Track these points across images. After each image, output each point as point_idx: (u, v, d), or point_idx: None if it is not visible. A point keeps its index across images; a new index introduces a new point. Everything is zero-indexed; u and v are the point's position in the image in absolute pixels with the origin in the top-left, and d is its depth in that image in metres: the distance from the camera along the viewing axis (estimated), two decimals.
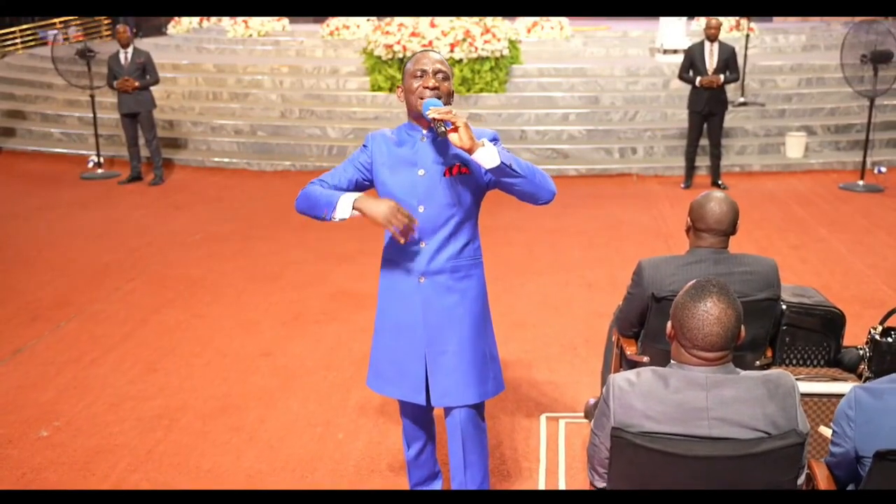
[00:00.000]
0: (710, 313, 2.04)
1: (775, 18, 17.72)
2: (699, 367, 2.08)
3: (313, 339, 5.07)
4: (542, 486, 3.50)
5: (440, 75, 2.69)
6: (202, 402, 4.27)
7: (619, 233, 6.98)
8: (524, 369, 4.58)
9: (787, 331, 3.28)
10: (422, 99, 2.67)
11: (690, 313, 2.06)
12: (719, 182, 8.86)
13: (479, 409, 2.92)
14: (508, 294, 5.73)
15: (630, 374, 2.14)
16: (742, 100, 10.71)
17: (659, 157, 9.91)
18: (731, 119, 10.24)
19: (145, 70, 9.07)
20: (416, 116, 2.74)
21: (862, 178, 8.83)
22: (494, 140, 2.67)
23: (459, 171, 2.73)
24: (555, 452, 3.74)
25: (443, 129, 2.55)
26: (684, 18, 12.33)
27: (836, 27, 15.38)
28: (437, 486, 3.25)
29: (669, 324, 2.14)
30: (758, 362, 3.11)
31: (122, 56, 9.03)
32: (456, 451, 2.91)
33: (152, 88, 9.27)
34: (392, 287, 2.87)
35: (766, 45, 13.73)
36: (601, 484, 2.25)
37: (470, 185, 2.77)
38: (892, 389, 2.19)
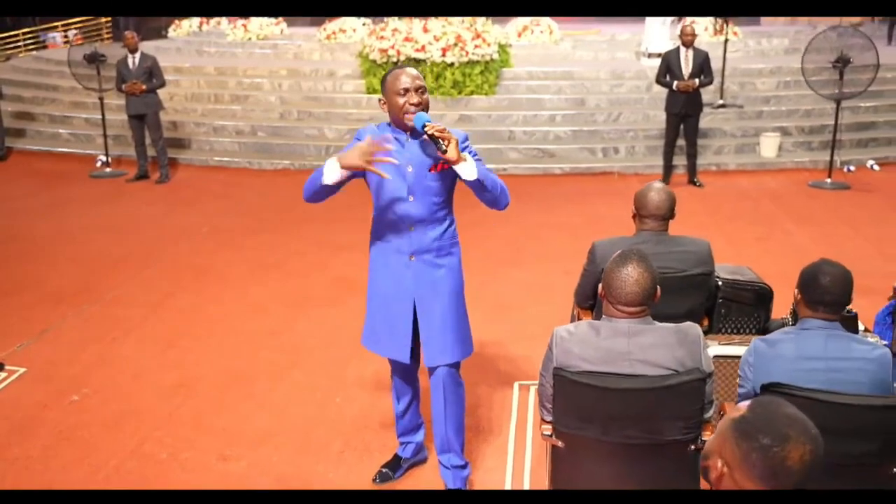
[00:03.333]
0: (630, 276, 2.56)
1: (763, 21, 18.24)
2: (623, 319, 2.60)
3: (315, 320, 5.58)
4: (511, 441, 4.02)
5: (420, 90, 3.14)
6: (216, 374, 4.79)
7: (600, 226, 7.48)
8: (504, 346, 5.10)
9: (722, 303, 3.80)
10: (408, 114, 3.13)
11: (615, 276, 2.58)
12: (695, 180, 9.37)
13: (456, 367, 3.45)
14: (494, 281, 6.26)
15: (570, 326, 2.66)
16: (721, 102, 11.22)
17: (640, 156, 10.43)
18: (709, 120, 10.79)
19: (152, 74, 9.58)
20: (398, 123, 3.22)
21: (829, 176, 9.36)
22: (465, 140, 3.18)
23: (443, 167, 3.19)
24: (524, 413, 4.26)
25: (444, 148, 2.99)
26: (668, 23, 12.83)
27: (822, 29, 15.89)
28: (419, 436, 3.76)
29: (600, 285, 2.66)
30: (702, 334, 3.63)
31: (129, 60, 9.55)
32: (438, 404, 3.43)
33: (158, 91, 9.78)
34: (385, 264, 3.34)
35: (750, 48, 14.26)
36: (549, 417, 2.76)
37: (448, 178, 3.25)
38: (783, 339, 2.71)
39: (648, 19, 12.82)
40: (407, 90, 3.14)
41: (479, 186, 3.12)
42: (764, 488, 1.67)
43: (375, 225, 3.38)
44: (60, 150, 11.58)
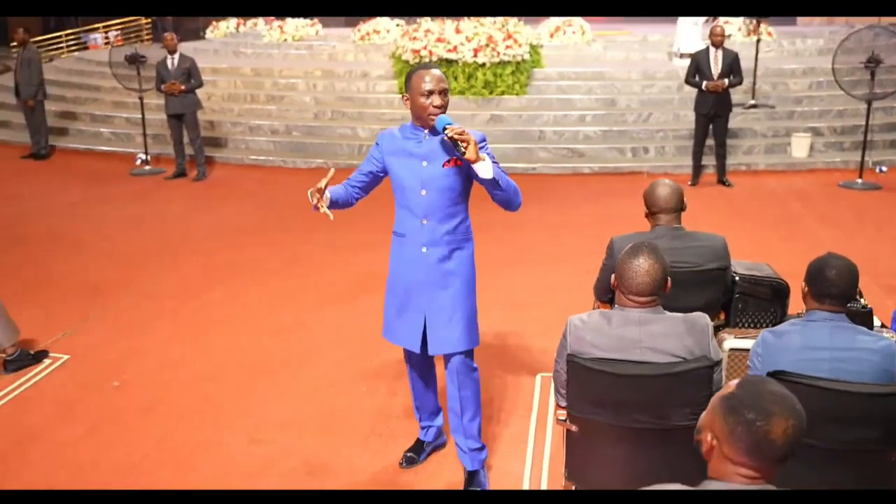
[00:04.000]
0: (641, 267, 2.67)
1: (799, 21, 18.09)
2: (634, 308, 2.72)
3: (341, 313, 5.74)
4: (532, 429, 4.14)
5: (443, 93, 3.30)
6: (245, 364, 4.96)
7: (626, 226, 7.47)
8: (527, 339, 5.22)
9: (739, 298, 3.87)
10: (432, 115, 3.29)
11: (627, 267, 2.70)
12: (724, 180, 9.40)
13: (469, 354, 3.57)
14: (514, 278, 6.39)
15: (583, 315, 2.78)
16: (752, 102, 11.22)
17: (669, 156, 10.48)
18: (740, 120, 10.80)
19: (190, 74, 9.83)
20: (419, 120, 3.38)
21: (860, 176, 9.33)
22: (483, 141, 3.31)
23: (455, 163, 3.35)
24: (545, 404, 4.37)
25: (462, 149, 3.14)
26: (700, 24, 12.83)
27: (856, 29, 15.75)
28: (439, 420, 3.92)
29: (613, 276, 2.77)
30: (711, 323, 3.72)
31: (169, 61, 9.81)
32: (452, 390, 3.56)
33: (196, 91, 10.03)
34: (400, 255, 3.50)
35: (783, 48, 14.19)
36: (563, 402, 2.88)
37: (461, 175, 3.39)
38: (790, 330, 2.80)
39: (680, 19, 12.83)
40: (431, 92, 3.29)
41: (493, 185, 3.27)
42: (749, 461, 1.78)
43: (396, 218, 3.55)
44: (102, 148, 11.90)
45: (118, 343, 5.29)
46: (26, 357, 4.89)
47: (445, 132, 3.20)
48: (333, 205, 3.38)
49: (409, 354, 3.69)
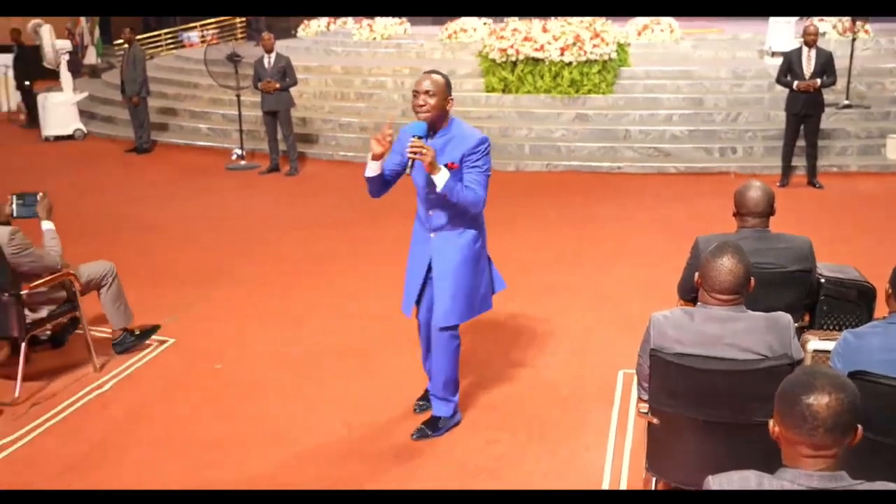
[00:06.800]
0: (724, 266, 2.77)
1: None
2: (717, 306, 2.81)
3: None
4: (613, 424, 4.25)
5: (426, 94, 3.71)
6: (335, 350, 5.21)
7: (711, 226, 7.44)
8: (610, 335, 5.32)
9: (825, 300, 3.90)
10: (417, 113, 3.76)
11: (711, 266, 2.79)
12: (815, 181, 9.25)
13: (453, 328, 4.02)
14: (602, 274, 6.49)
15: (666, 311, 2.90)
16: (846, 102, 10.96)
17: (758, 156, 10.35)
18: (833, 121, 10.58)
19: (285, 73, 10.20)
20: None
21: None
22: (483, 142, 3.79)
23: (452, 166, 3.76)
24: (627, 399, 4.47)
25: (412, 157, 3.62)
26: (793, 22, 12.60)
27: None
28: None
29: (697, 274, 2.87)
30: (795, 324, 3.76)
31: (265, 60, 10.20)
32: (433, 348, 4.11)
33: (290, 89, 10.39)
34: (416, 237, 4.08)
35: (881, 46, 13.78)
36: (645, 396, 3.00)
37: (458, 175, 3.78)
38: (871, 332, 2.85)
39: (772, 18, 12.62)
40: (416, 93, 3.76)
41: (446, 195, 3.72)
42: (802, 437, 1.88)
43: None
44: (200, 143, 12.43)
45: (218, 328, 5.60)
46: (128, 339, 5.21)
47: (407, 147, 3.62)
48: (380, 178, 3.87)
49: (418, 321, 4.22)
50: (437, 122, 3.79)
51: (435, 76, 3.77)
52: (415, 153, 3.60)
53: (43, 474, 3.90)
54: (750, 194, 3.66)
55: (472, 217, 3.92)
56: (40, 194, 4.90)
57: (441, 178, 3.67)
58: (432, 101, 3.71)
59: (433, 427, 4.15)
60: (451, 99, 3.84)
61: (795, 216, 7.70)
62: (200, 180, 10.31)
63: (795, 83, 8.91)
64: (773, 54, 12.55)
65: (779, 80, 9.22)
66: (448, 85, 3.82)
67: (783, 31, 12.58)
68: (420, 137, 3.68)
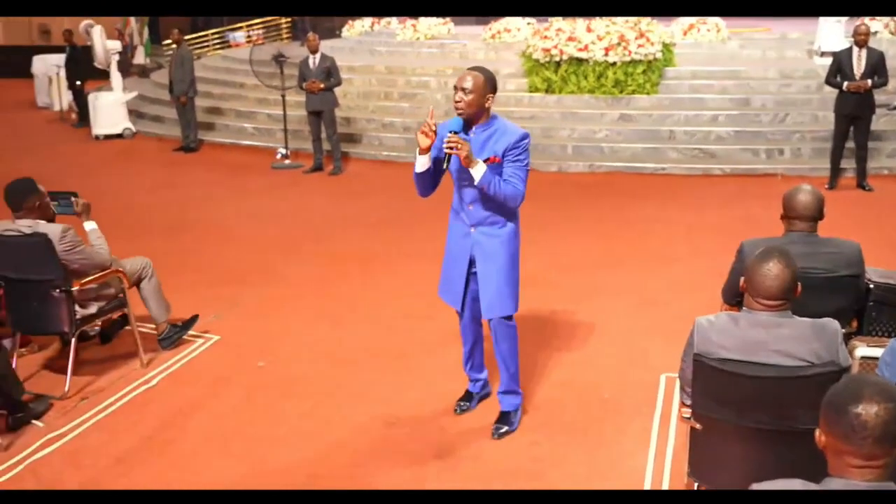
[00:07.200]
0: (771, 271, 2.73)
1: None
2: (762, 311, 2.78)
3: None
4: (655, 428, 4.22)
5: (462, 91, 3.77)
6: (378, 350, 5.24)
7: (756, 228, 7.36)
8: (652, 339, 5.28)
9: (873, 306, 3.82)
10: (455, 109, 3.83)
11: (756, 271, 2.76)
12: (864, 184, 9.07)
13: (508, 318, 4.07)
14: (644, 276, 6.44)
15: (710, 316, 2.87)
16: None
17: (806, 158, 10.18)
18: (884, 122, 10.36)
19: (330, 73, 10.29)
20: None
21: None
22: (524, 137, 3.83)
23: (494, 160, 3.79)
24: (669, 404, 4.44)
25: (448, 152, 3.71)
26: (843, 21, 12.36)
27: None
28: (484, 374, 4.48)
29: (742, 279, 2.84)
30: (843, 331, 3.70)
31: (311, 61, 10.30)
32: (494, 346, 4.14)
33: (334, 89, 10.48)
34: (454, 231, 4.10)
35: None
36: (688, 401, 2.97)
37: (498, 170, 3.81)
38: None
39: (822, 17, 12.40)
40: (455, 89, 3.84)
41: (484, 189, 3.79)
42: (850, 448, 1.85)
43: (453, 196, 4.11)
44: (245, 142, 12.58)
45: (262, 326, 5.67)
46: (173, 332, 5.30)
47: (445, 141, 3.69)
48: (429, 174, 3.93)
49: (459, 316, 4.24)
50: (475, 118, 3.84)
51: (474, 73, 3.80)
52: (451, 148, 3.67)
53: (93, 467, 3.99)
54: (800, 198, 3.60)
55: (510, 211, 3.96)
56: (73, 195, 4.95)
57: (478, 171, 3.72)
58: (469, 98, 3.77)
59: (508, 422, 4.21)
60: (491, 96, 3.83)
61: (844, 220, 7.56)
62: (245, 179, 10.44)
63: (845, 84, 8.75)
64: (823, 54, 12.33)
65: (828, 81, 9.06)
66: (488, 82, 3.82)
67: (833, 31, 12.35)
68: (456, 133, 3.73)
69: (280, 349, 5.29)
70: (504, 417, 4.23)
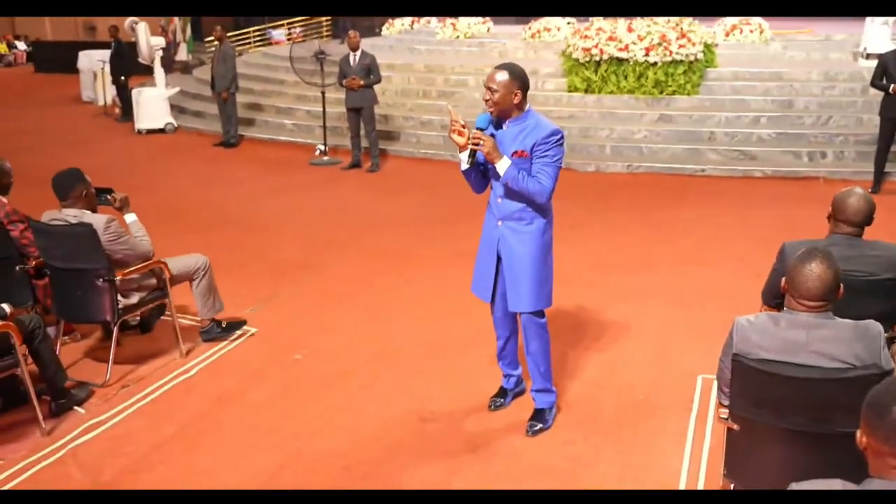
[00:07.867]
0: (813, 272, 2.70)
1: None
2: (803, 312, 2.75)
3: None
4: (691, 430, 4.19)
5: (489, 90, 3.80)
6: (413, 345, 5.27)
7: (796, 231, 7.30)
8: (689, 340, 5.24)
9: None
10: (487, 106, 3.86)
11: (798, 271, 2.73)
12: None
13: (538, 314, 4.08)
14: (681, 278, 6.38)
15: (750, 316, 2.84)
16: None
17: (849, 161, 10.02)
18: None
19: (370, 70, 10.35)
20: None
21: None
22: (555, 133, 3.81)
23: (521, 154, 3.82)
24: (705, 405, 4.40)
25: (473, 148, 3.79)
26: (890, 23, 12.14)
27: None
28: (519, 370, 4.50)
29: (783, 280, 2.81)
30: (886, 334, 3.64)
31: (351, 58, 10.37)
32: (525, 342, 4.17)
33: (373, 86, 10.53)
34: (487, 224, 4.11)
35: None
36: (726, 401, 2.95)
37: (526, 164, 3.83)
38: None
39: (868, 18, 12.20)
40: (486, 88, 3.84)
41: (509, 184, 3.83)
42: (888, 448, 1.85)
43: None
44: (284, 138, 12.70)
45: (300, 320, 5.73)
46: (215, 330, 5.37)
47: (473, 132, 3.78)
48: (475, 170, 3.96)
49: (492, 309, 4.27)
50: (505, 114, 3.86)
51: (501, 72, 3.80)
52: (475, 144, 3.75)
53: (132, 454, 4.06)
54: (851, 201, 3.54)
55: (540, 207, 3.94)
56: (110, 192, 4.99)
57: (502, 165, 3.77)
58: (495, 96, 3.80)
59: (542, 419, 4.24)
60: (519, 92, 3.80)
61: (887, 224, 7.42)
62: (284, 175, 10.54)
63: (892, 86, 8.59)
64: (869, 56, 12.13)
65: (873, 84, 8.91)
66: (516, 78, 3.79)
67: (879, 33, 12.14)
68: (482, 129, 3.81)
69: (317, 343, 5.34)
70: (538, 415, 4.26)
